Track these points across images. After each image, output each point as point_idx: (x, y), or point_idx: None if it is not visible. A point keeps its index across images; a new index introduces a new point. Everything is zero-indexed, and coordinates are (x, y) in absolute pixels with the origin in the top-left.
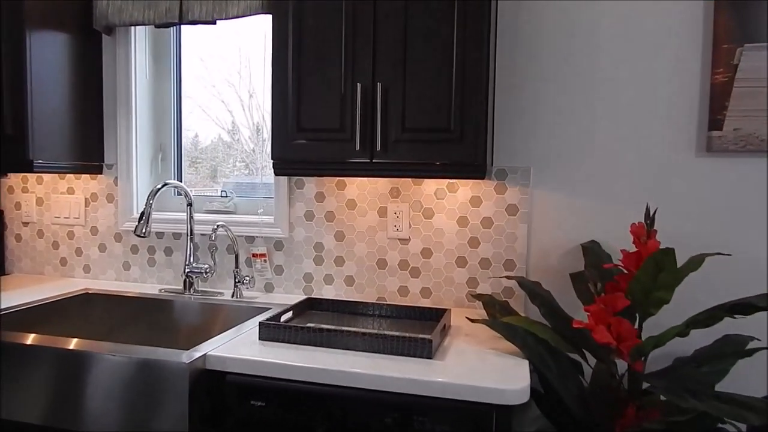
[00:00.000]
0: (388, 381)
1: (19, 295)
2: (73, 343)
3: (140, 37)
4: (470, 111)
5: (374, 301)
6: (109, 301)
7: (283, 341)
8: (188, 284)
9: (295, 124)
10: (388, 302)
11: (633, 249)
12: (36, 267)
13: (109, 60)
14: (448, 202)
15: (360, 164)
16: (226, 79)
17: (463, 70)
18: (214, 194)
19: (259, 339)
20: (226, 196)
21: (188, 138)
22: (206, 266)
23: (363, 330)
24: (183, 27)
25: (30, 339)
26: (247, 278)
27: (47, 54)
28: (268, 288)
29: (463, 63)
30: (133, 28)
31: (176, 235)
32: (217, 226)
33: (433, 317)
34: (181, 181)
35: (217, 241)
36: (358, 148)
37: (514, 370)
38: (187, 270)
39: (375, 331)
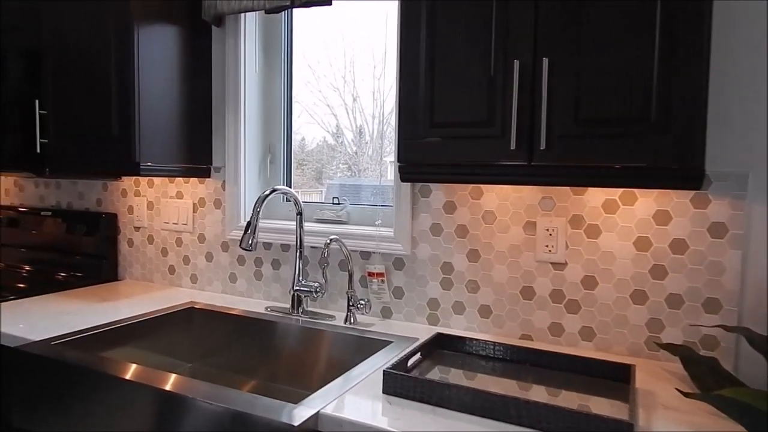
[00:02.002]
0: None
1: (128, 305)
2: (168, 382)
3: (250, 29)
4: (683, 88)
5: (524, 344)
6: (212, 318)
7: (415, 399)
8: (296, 303)
9: (427, 119)
10: (540, 347)
11: None
12: (146, 274)
13: (218, 54)
14: (621, 218)
15: (514, 168)
16: (330, 83)
17: (670, 26)
18: (324, 200)
19: (384, 392)
20: (339, 204)
21: (296, 141)
22: (316, 284)
23: (534, 399)
24: (294, 22)
25: (119, 370)
26: (362, 302)
27: (155, 50)
28: (386, 313)
29: (671, 16)
30: (243, 17)
31: (284, 247)
32: (330, 240)
33: (608, 374)
34: (290, 186)
35: (329, 256)
36: (513, 146)
37: None
38: (295, 288)
39: (549, 402)
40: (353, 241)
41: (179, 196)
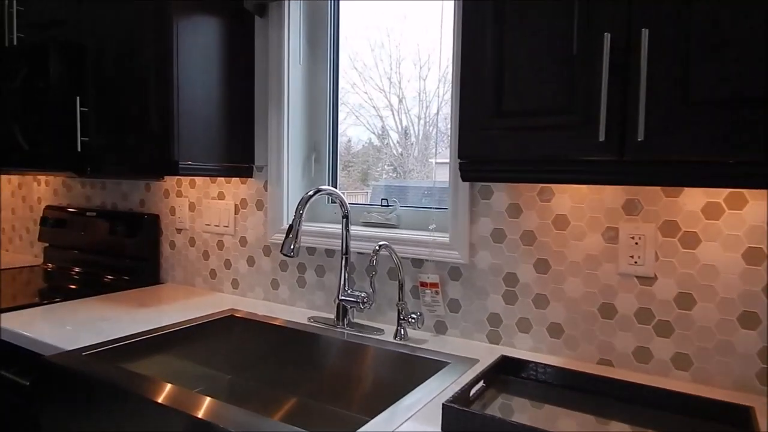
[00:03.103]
0: None
1: (167, 312)
2: (201, 408)
3: (294, 18)
4: None
5: (603, 372)
6: (253, 328)
7: None
8: (341, 314)
9: (493, 106)
10: (623, 375)
11: None
12: (188, 278)
13: (260, 47)
14: (727, 225)
15: (601, 164)
16: (377, 85)
17: None
18: (369, 202)
19: (443, 429)
20: (387, 206)
21: (342, 143)
22: (363, 294)
23: None
24: (340, 20)
25: (149, 390)
26: (414, 316)
27: (195, 42)
28: (440, 328)
29: None
30: (287, 5)
31: (329, 252)
32: (379, 246)
33: (715, 415)
34: (335, 186)
35: (377, 264)
36: (602, 138)
37: None
38: (341, 297)
39: None
40: (404, 247)
41: (221, 196)
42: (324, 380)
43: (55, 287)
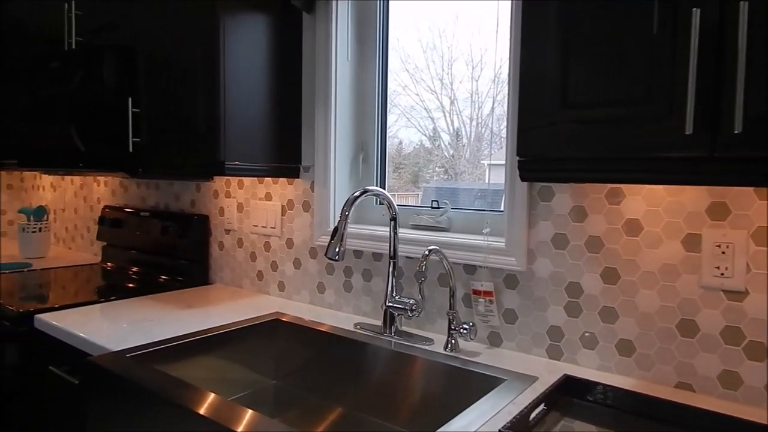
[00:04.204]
0: None
1: (213, 313)
2: (241, 422)
3: (342, 14)
4: None
5: (683, 398)
6: (298, 333)
7: None
8: (389, 321)
9: (558, 98)
10: (706, 403)
11: None
12: (235, 279)
13: (308, 44)
14: None
15: (688, 162)
16: (428, 86)
17: None
18: (420, 204)
19: None
20: (438, 208)
21: (393, 145)
22: (412, 301)
23: None
24: (390, 19)
25: (189, 400)
26: (467, 326)
27: (242, 40)
28: (494, 340)
29: None
30: (335, 2)
31: (377, 256)
32: (429, 250)
33: None
34: (384, 187)
35: (427, 270)
36: (689, 131)
37: None
38: (388, 303)
39: None
40: (455, 252)
41: (268, 197)
42: (369, 390)
43: (112, 286)
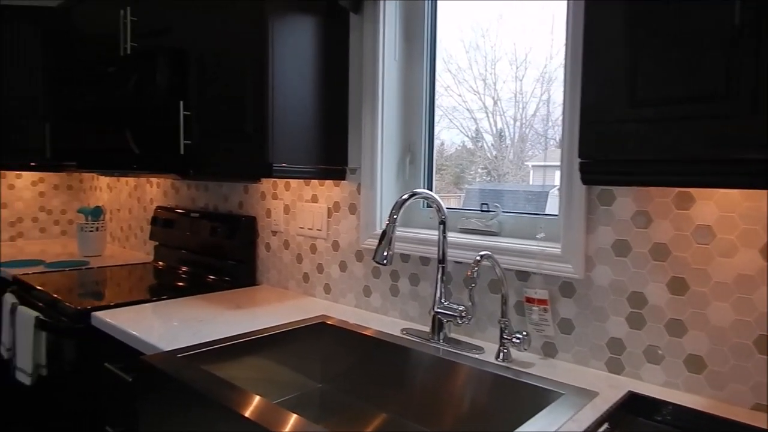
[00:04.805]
0: None
1: (260, 314)
2: (286, 426)
3: (390, 14)
4: None
5: (762, 425)
6: (344, 337)
7: None
8: (437, 328)
9: (624, 95)
10: None
11: None
12: (281, 280)
13: (355, 44)
14: None
15: None
16: (471, 86)
17: None
18: (462, 205)
19: None
20: (488, 211)
21: (435, 146)
22: (461, 308)
23: None
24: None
25: (237, 402)
26: (520, 336)
27: (289, 42)
28: (548, 350)
29: None
30: (382, 2)
31: (424, 260)
32: (481, 256)
33: None
34: (430, 189)
35: (478, 276)
36: None
37: None
38: (437, 309)
39: None
40: (507, 257)
41: (314, 199)
42: (415, 398)
43: (163, 284)
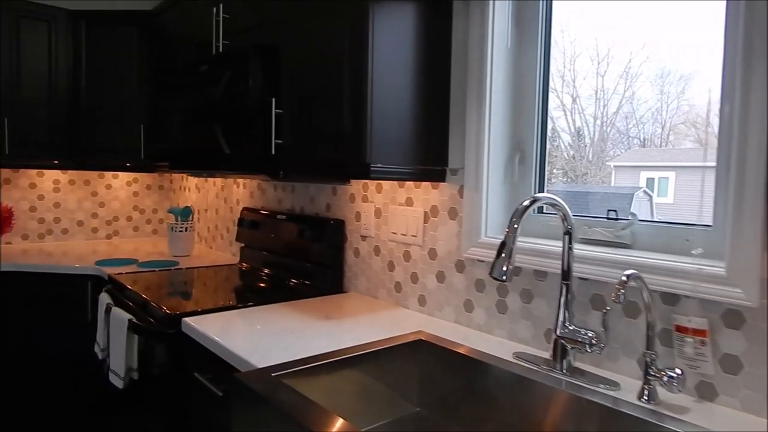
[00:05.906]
0: None
1: (353, 327)
2: None
3: None
4: None
5: None
6: (444, 356)
7: None
8: (559, 355)
9: None
10: None
11: None
12: (371, 288)
13: (460, 33)
14: None
15: None
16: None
17: None
18: (596, 214)
19: None
20: (617, 219)
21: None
22: (591, 333)
23: None
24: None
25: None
26: (674, 373)
27: (389, 30)
28: (705, 392)
29: None
30: None
31: (539, 274)
32: (628, 276)
33: None
34: (542, 191)
35: (625, 300)
36: None
37: None
38: (559, 333)
39: None
40: (649, 276)
41: (409, 203)
42: None
43: (248, 287)
